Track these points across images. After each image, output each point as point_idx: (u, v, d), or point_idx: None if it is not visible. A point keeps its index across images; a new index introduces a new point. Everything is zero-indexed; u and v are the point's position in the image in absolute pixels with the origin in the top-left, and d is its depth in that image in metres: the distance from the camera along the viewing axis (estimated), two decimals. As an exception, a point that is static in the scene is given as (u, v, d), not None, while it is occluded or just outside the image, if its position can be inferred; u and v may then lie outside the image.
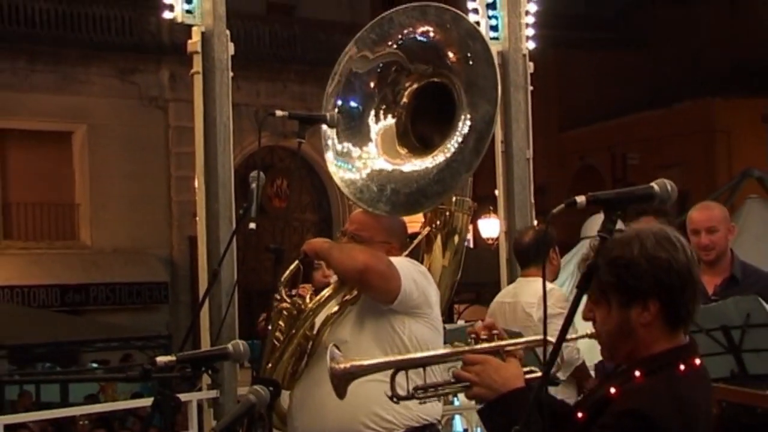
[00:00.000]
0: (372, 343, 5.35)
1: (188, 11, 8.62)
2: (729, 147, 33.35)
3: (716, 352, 6.21)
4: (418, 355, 4.13)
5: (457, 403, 10.28)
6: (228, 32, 8.71)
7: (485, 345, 3.80)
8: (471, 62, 5.52)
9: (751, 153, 29.51)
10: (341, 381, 4.02)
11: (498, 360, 3.75)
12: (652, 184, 3.49)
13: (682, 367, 3.48)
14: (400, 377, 3.88)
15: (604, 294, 3.49)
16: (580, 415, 3.53)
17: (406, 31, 5.70)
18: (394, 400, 3.92)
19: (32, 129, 27.42)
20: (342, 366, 4.01)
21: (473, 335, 3.85)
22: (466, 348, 3.81)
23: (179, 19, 8.66)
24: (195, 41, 8.66)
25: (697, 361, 3.55)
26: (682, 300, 3.49)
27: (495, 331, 3.82)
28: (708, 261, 6.94)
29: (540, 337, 3.80)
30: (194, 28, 8.65)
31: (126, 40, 28.46)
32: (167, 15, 8.70)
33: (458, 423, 9.58)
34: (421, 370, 3.90)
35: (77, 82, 27.54)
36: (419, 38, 5.69)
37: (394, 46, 5.73)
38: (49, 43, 27.21)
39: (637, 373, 3.45)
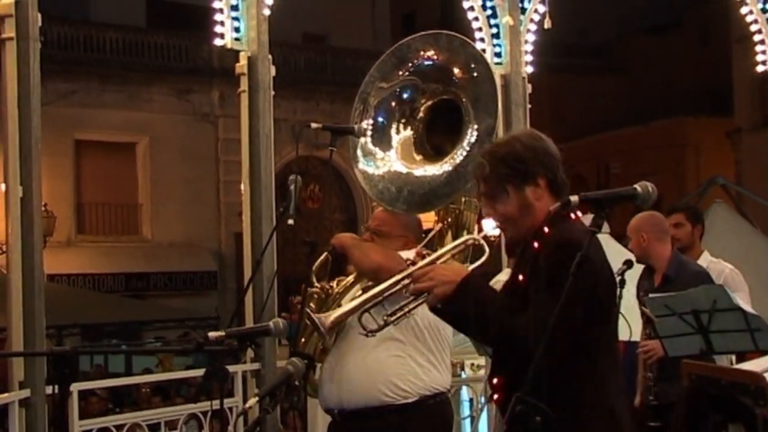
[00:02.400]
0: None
1: (236, 39, 8.62)
2: (698, 159, 33.28)
3: (687, 332, 6.21)
4: (376, 290, 4.10)
5: (464, 375, 10.27)
6: (270, 57, 8.71)
7: (424, 261, 3.98)
8: (476, 81, 5.49)
9: (716, 164, 29.42)
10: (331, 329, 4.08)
11: (443, 264, 3.95)
12: (635, 186, 3.50)
13: (572, 216, 3.80)
14: (367, 318, 4.03)
15: (502, 185, 3.79)
16: (521, 277, 3.73)
17: (420, 55, 5.68)
18: (370, 335, 3.97)
19: (102, 140, 27.50)
20: (325, 318, 4.06)
21: (410, 261, 3.92)
22: (411, 269, 3.93)
23: (229, 46, 8.66)
24: (242, 64, 8.65)
25: (580, 214, 3.85)
26: (559, 173, 3.83)
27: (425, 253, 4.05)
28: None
29: (467, 237, 4.12)
30: (241, 53, 8.65)
31: (182, 65, 28.52)
32: (218, 42, 8.70)
33: (465, 393, 9.56)
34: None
35: (141, 101, 27.59)
36: (432, 61, 5.66)
37: (411, 68, 5.71)
38: (117, 67, 27.28)
39: (546, 229, 3.71)
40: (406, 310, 3.90)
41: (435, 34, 5.73)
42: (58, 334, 21.18)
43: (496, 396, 3.81)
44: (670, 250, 7.08)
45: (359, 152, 5.80)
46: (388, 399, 5.25)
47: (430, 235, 5.89)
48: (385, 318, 3.94)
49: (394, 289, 3.98)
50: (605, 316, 3.75)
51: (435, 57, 5.66)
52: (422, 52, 5.69)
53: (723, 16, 27.11)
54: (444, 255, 3.98)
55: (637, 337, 7.35)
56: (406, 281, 3.94)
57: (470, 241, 4.07)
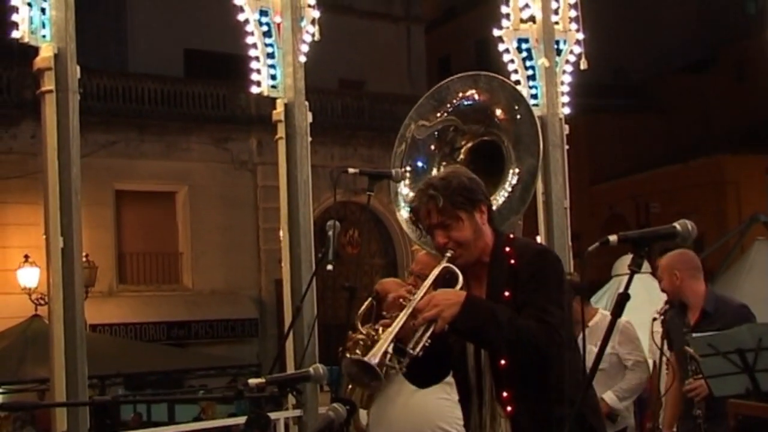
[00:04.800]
0: None
1: (273, 86, 8.67)
2: (738, 196, 33.05)
3: (733, 372, 6.11)
4: (395, 327, 4.07)
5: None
6: (307, 103, 8.74)
7: (418, 295, 4.09)
8: (517, 122, 5.45)
9: (757, 201, 29.17)
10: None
11: (438, 291, 4.12)
12: (675, 224, 3.48)
13: (512, 236, 4.35)
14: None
15: (456, 214, 4.15)
16: (507, 294, 4.08)
17: (460, 96, 5.64)
18: (393, 371, 4.14)
19: (142, 190, 27.66)
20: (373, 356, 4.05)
21: (401, 299, 4.15)
22: (413, 304, 4.07)
23: (265, 93, 8.71)
24: (279, 111, 8.69)
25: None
26: (491, 201, 4.35)
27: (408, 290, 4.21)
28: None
29: (441, 267, 4.21)
30: (278, 101, 8.69)
31: (220, 114, 28.68)
32: (255, 90, 8.75)
33: None
34: None
35: (179, 150, 27.77)
36: (472, 102, 5.62)
37: (450, 110, 5.67)
38: (156, 117, 27.50)
39: (507, 249, 4.19)
40: (424, 339, 4.02)
41: (474, 76, 5.69)
42: (101, 384, 21.24)
43: (509, 408, 4.04)
44: (704, 287, 6.99)
45: (401, 200, 5.77)
46: (433, 441, 5.24)
47: None
48: (409, 350, 4.04)
49: (412, 319, 4.08)
50: None
51: (475, 98, 5.62)
52: (461, 93, 5.67)
53: (759, 53, 26.99)
54: (428, 287, 4.09)
55: None
56: (413, 315, 4.07)
57: (443, 271, 4.15)
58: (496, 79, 5.63)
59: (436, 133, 5.71)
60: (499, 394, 4.07)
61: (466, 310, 3.96)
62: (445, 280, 4.20)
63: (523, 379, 4.00)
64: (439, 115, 5.68)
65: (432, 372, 4.39)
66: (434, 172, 5.71)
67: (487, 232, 4.24)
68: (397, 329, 4.04)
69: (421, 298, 4.08)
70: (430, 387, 4.72)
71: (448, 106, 5.65)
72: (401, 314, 4.08)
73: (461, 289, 4.15)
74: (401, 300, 4.13)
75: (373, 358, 3.96)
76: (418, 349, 4.02)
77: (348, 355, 4.21)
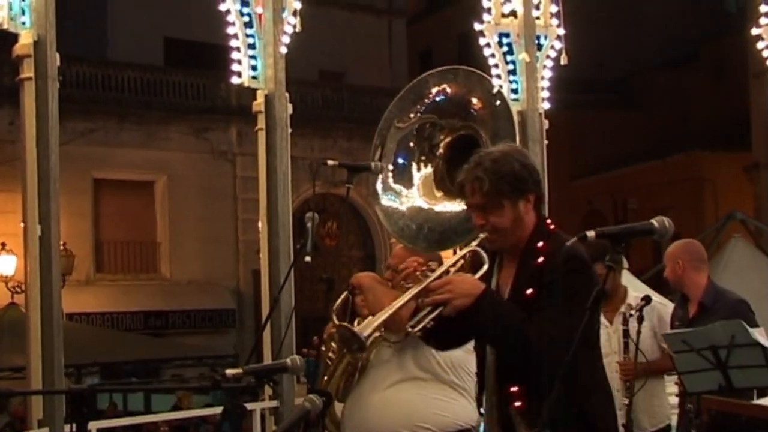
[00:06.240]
0: (411, 363, 5.31)
1: (254, 77, 8.68)
2: (715, 194, 33.18)
3: (706, 368, 6.16)
4: (400, 302, 4.10)
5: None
6: (287, 95, 8.74)
7: (437, 273, 4.09)
8: (494, 115, 5.47)
9: (734, 199, 29.29)
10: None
11: (457, 275, 4.09)
12: (652, 220, 3.51)
13: (552, 227, 4.18)
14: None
15: (499, 200, 4.05)
16: (529, 291, 3.96)
17: (438, 90, 5.65)
18: (386, 344, 4.35)
19: (121, 179, 27.56)
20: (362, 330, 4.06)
21: (418, 272, 4.18)
22: (426, 281, 4.04)
23: (246, 84, 8.71)
24: (259, 102, 8.70)
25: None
26: (542, 189, 4.20)
27: (430, 263, 4.27)
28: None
29: (468, 248, 4.20)
30: (259, 91, 8.70)
31: (200, 104, 28.59)
32: (236, 80, 8.75)
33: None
34: None
35: (159, 139, 27.68)
36: (450, 96, 5.63)
37: (428, 105, 5.67)
38: (135, 106, 27.39)
39: (540, 243, 4.04)
40: (426, 320, 4.00)
41: (453, 70, 5.70)
42: (77, 372, 21.20)
43: (518, 403, 3.97)
44: (706, 279, 6.97)
45: (380, 189, 5.77)
46: (410, 437, 5.24)
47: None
48: (408, 327, 4.05)
49: (416, 298, 4.07)
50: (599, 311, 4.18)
51: (453, 92, 5.62)
52: (440, 87, 5.67)
53: (739, 51, 27.10)
54: (450, 267, 4.09)
55: None
56: (424, 292, 4.05)
57: (469, 253, 4.14)
58: (474, 74, 5.63)
59: (416, 125, 5.72)
60: (507, 388, 4.00)
61: (477, 305, 3.90)
62: (472, 262, 4.17)
63: (532, 377, 3.88)
64: (414, 114, 5.69)
65: (447, 339, 4.34)
66: (414, 166, 5.72)
67: (528, 221, 4.11)
68: (400, 304, 4.04)
69: (438, 277, 4.04)
70: (450, 350, 4.74)
71: (426, 101, 5.66)
72: (410, 291, 4.06)
73: (484, 275, 4.10)
74: (418, 273, 4.11)
75: (364, 331, 3.99)
76: (417, 329, 4.01)
77: (340, 322, 4.22)
